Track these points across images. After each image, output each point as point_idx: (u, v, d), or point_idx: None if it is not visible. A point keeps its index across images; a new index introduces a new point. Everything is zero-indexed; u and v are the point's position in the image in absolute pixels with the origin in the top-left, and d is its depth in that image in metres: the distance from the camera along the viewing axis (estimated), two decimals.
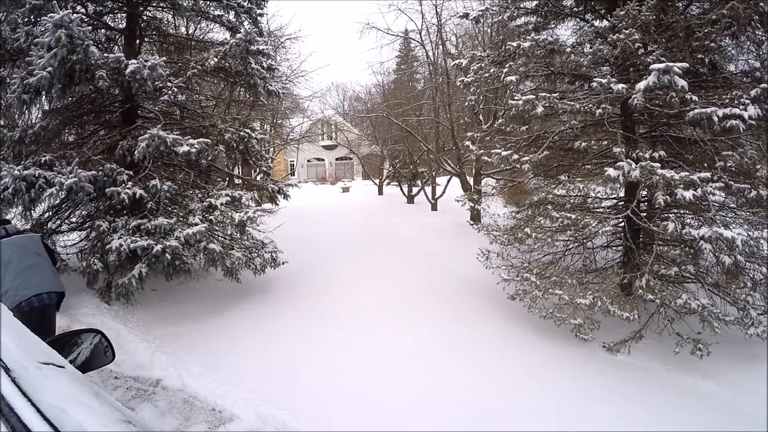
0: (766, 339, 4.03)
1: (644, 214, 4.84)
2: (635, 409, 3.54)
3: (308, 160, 31.14)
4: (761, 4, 4.10)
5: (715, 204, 4.05)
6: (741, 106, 3.86)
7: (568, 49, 4.67)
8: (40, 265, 3.22)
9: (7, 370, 0.64)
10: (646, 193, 4.85)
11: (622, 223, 4.86)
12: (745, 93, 4.06)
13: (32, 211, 5.04)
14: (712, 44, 4.47)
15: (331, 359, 4.15)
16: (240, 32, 5.36)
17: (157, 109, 5.57)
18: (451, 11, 13.67)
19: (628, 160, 4.08)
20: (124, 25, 6.00)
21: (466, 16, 6.73)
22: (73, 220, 5.92)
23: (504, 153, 5.32)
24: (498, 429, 3.14)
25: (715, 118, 3.82)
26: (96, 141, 5.60)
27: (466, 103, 7.60)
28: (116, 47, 6.09)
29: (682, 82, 3.67)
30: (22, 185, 4.38)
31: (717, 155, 4.32)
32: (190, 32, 8.57)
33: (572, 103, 4.52)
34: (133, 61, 4.64)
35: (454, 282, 6.42)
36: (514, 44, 4.78)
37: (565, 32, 6.07)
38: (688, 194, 3.83)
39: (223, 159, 6.31)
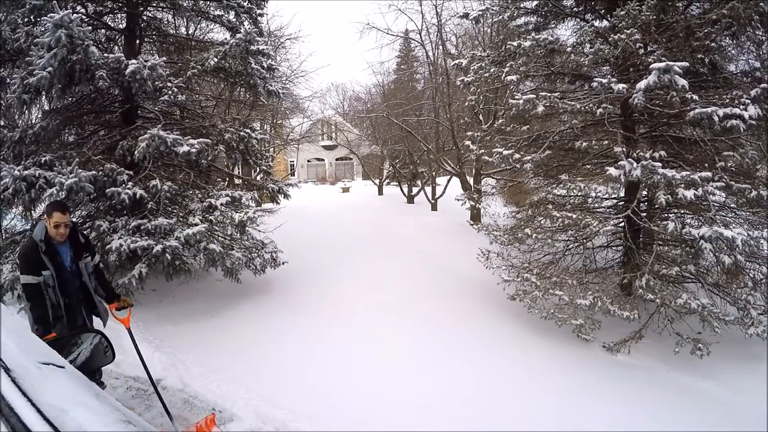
0: (766, 339, 4.04)
1: (644, 213, 4.84)
2: (635, 409, 3.54)
3: (308, 160, 31.12)
4: (761, 4, 4.10)
5: (716, 204, 4.05)
6: (741, 106, 3.86)
7: (569, 49, 4.67)
8: None
9: (7, 370, 0.64)
10: (646, 192, 4.85)
11: (623, 223, 4.85)
12: (745, 93, 4.07)
13: (32, 211, 5.05)
14: (713, 44, 4.47)
15: (331, 359, 4.15)
16: (240, 32, 5.36)
17: (157, 109, 5.56)
18: (451, 11, 13.74)
19: (629, 159, 4.08)
20: (124, 25, 5.99)
21: (466, 16, 6.73)
22: (74, 220, 5.91)
23: (505, 152, 5.32)
24: (498, 429, 3.14)
25: (716, 118, 3.82)
26: (96, 141, 5.60)
27: (466, 103, 7.60)
28: (116, 47, 6.08)
29: (682, 82, 3.67)
30: (22, 185, 4.38)
31: (717, 155, 4.32)
32: (190, 32, 8.56)
33: (573, 102, 4.51)
34: (133, 61, 4.64)
35: (454, 282, 6.42)
36: (515, 44, 4.78)
37: (565, 32, 6.08)
38: (689, 194, 3.83)
39: (223, 159, 6.30)
